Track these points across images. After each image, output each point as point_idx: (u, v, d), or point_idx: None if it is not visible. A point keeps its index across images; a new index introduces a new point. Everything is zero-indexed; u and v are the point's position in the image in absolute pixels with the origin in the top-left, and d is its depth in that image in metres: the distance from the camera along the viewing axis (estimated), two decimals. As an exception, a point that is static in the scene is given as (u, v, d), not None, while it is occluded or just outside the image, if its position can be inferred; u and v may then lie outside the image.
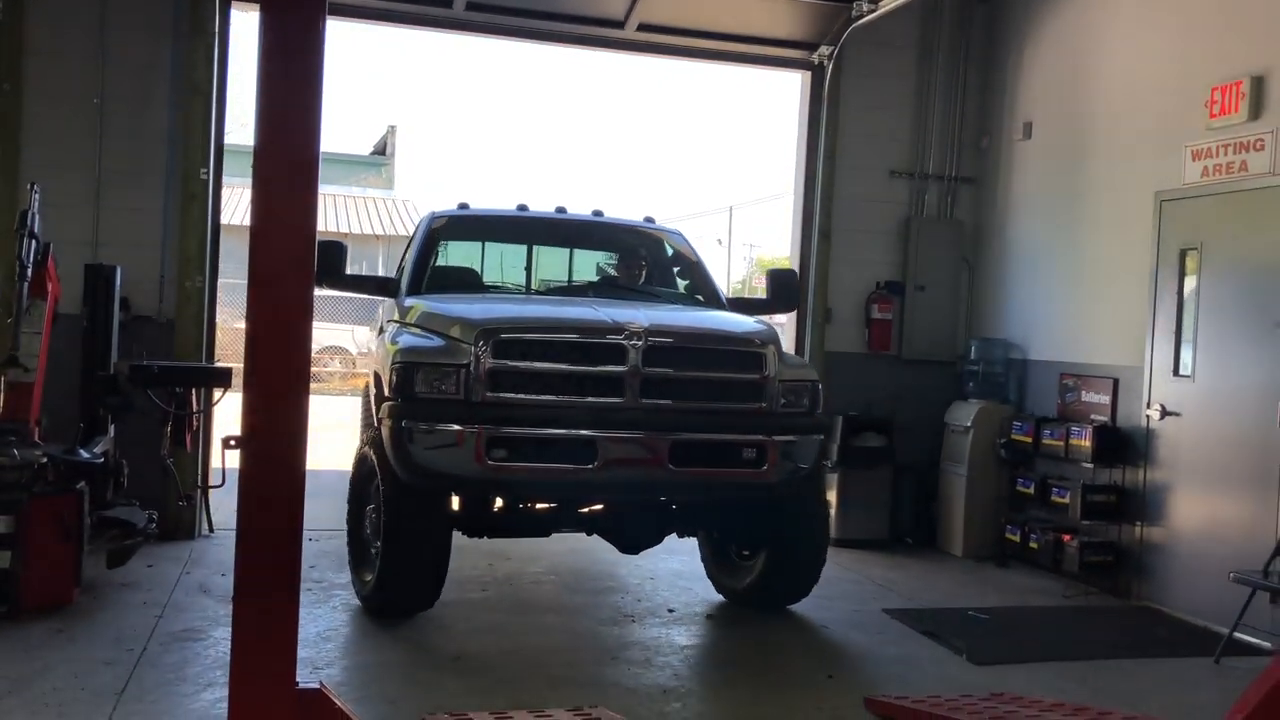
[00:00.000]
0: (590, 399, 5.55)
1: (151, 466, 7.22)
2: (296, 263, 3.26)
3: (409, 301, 6.55)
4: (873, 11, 8.23)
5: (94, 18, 7.60)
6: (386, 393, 5.72)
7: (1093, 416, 7.74)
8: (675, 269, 7.60)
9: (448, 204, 7.60)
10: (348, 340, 22.19)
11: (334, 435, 11.47)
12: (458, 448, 5.39)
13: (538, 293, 7.29)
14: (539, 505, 6.22)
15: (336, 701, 3.50)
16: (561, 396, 5.53)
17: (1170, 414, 7.15)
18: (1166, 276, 7.26)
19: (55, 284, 6.65)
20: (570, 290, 7.31)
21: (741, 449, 5.73)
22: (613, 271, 8.00)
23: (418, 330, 6.03)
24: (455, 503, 6.07)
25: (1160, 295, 7.29)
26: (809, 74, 8.97)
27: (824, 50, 8.73)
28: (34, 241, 6.37)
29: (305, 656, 4.94)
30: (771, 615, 6.54)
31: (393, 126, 35.04)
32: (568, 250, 8.07)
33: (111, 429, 6.93)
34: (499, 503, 6.14)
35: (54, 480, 6.01)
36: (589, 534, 6.50)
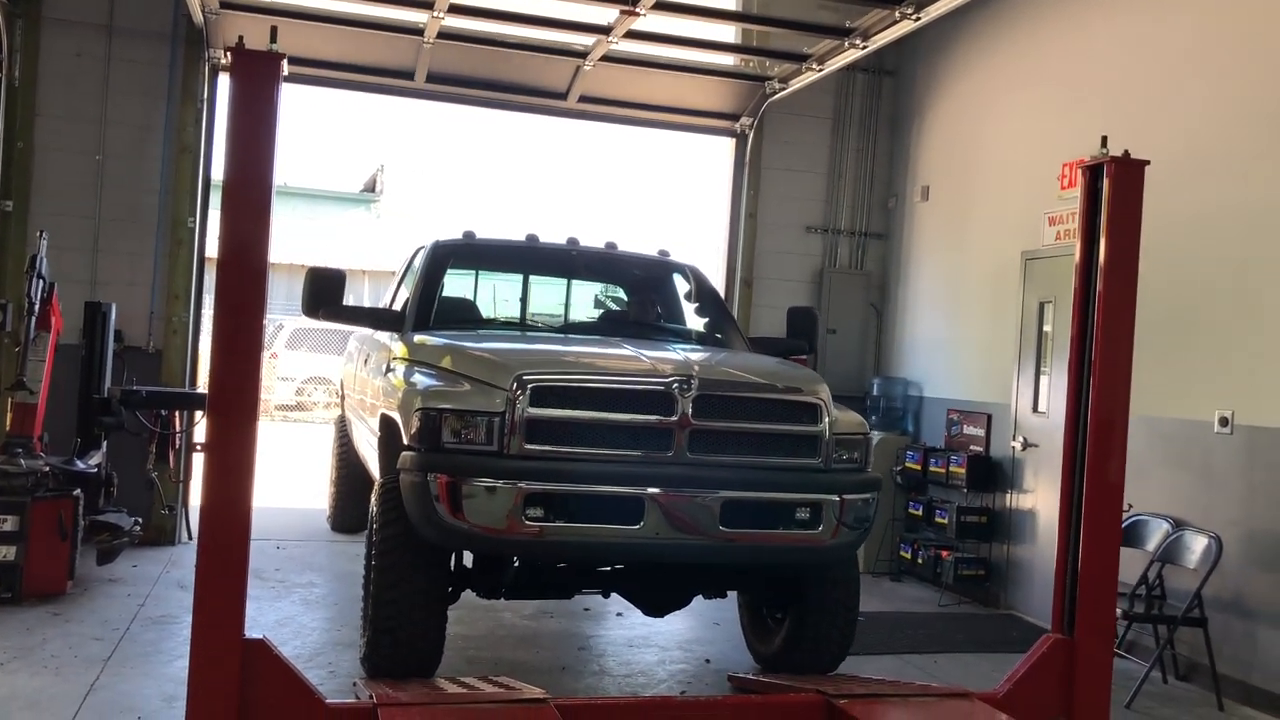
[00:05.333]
0: (635, 452, 5.06)
1: (138, 480, 8.22)
2: (253, 270, 4.30)
3: (417, 337, 6.10)
4: (784, 89, 9.37)
5: (98, 84, 8.66)
6: (405, 440, 5.17)
7: (971, 448, 8.79)
8: (694, 305, 7.27)
9: (451, 233, 7.22)
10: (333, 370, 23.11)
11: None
12: (490, 505, 4.86)
13: (556, 330, 6.95)
14: (561, 564, 5.67)
15: (275, 650, 4.50)
16: (602, 450, 5.03)
17: (1031, 445, 8.20)
18: (1029, 326, 8.33)
19: (58, 318, 7.67)
20: (590, 328, 6.93)
21: (795, 509, 5.23)
22: (615, 305, 7.83)
23: (433, 369, 5.55)
24: (469, 560, 5.69)
25: (1024, 342, 8.36)
26: (733, 140, 10.07)
27: (745, 121, 9.85)
28: (41, 281, 7.40)
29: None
30: (677, 616, 7.45)
31: (382, 165, 36.23)
32: (566, 282, 7.83)
33: (104, 445, 7.92)
34: (515, 560, 5.55)
35: (53, 487, 6.99)
36: (606, 596, 6.13)
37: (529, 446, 4.95)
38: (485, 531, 4.91)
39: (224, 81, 9.06)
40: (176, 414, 8.51)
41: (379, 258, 29.04)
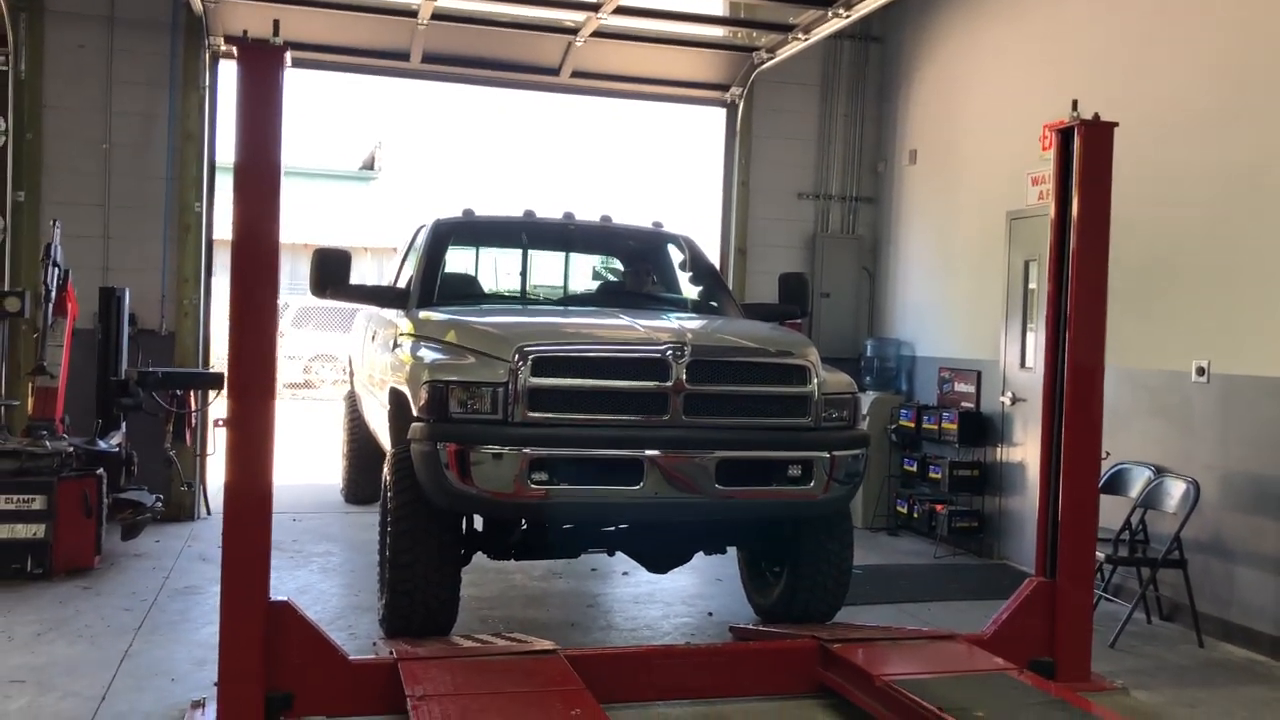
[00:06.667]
0: (634, 417, 5.31)
1: (157, 458, 8.51)
2: (266, 254, 4.56)
3: (422, 313, 6.34)
4: (771, 59, 9.57)
5: (102, 75, 8.87)
6: (415, 412, 5.43)
7: (962, 404, 9.05)
8: (689, 275, 7.48)
9: (451, 211, 7.43)
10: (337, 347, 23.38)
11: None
12: (497, 471, 5.12)
13: (555, 302, 7.21)
14: (567, 525, 5.96)
15: (300, 611, 4.80)
16: (602, 415, 5.29)
17: (1019, 400, 8.45)
18: (1015, 284, 8.57)
19: (74, 305, 7.91)
20: (588, 299, 7.18)
21: (788, 466, 5.50)
22: (612, 277, 8.00)
23: (439, 344, 5.79)
24: (479, 524, 5.97)
25: (1011, 299, 8.60)
26: (725, 110, 10.27)
27: (735, 90, 10.05)
28: (56, 268, 7.65)
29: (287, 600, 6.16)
30: (681, 573, 7.72)
31: (380, 141, 36.33)
32: (565, 256, 8.06)
33: (124, 425, 8.20)
34: (523, 523, 5.85)
35: (77, 467, 7.26)
36: (610, 554, 6.33)
37: (532, 414, 5.21)
38: (494, 496, 5.17)
39: (225, 68, 9.28)
40: (191, 393, 8.79)
41: (380, 234, 29.22)
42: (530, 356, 5.22)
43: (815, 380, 5.60)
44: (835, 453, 5.55)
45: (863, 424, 6.11)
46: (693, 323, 6.09)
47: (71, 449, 7.25)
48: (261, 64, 4.61)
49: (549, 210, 7.52)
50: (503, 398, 5.18)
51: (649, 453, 5.25)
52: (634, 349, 5.40)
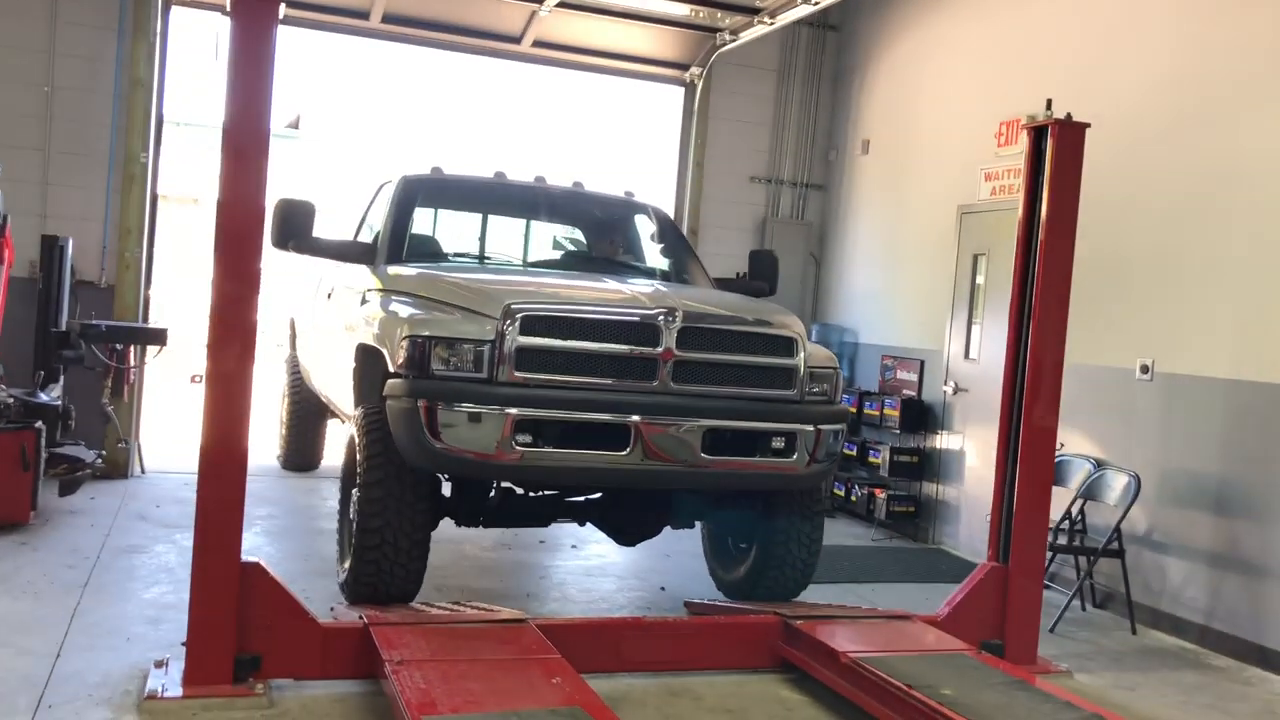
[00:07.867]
0: (621, 381, 5.24)
1: (92, 414, 8.28)
2: (253, 212, 4.48)
3: (392, 269, 6.18)
4: (734, 40, 9.63)
5: (46, 14, 8.55)
6: (392, 368, 5.26)
7: (904, 391, 9.25)
8: (660, 245, 7.31)
9: (402, 170, 7.14)
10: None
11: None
12: (480, 432, 5.01)
13: (526, 265, 7.10)
14: (539, 493, 5.96)
15: (270, 572, 4.74)
16: (589, 378, 5.20)
17: (961, 390, 8.67)
18: (963, 277, 8.77)
19: (10, 251, 7.63)
20: (558, 264, 6.98)
21: (772, 438, 5.50)
22: (572, 246, 7.86)
23: (414, 298, 5.64)
24: (446, 489, 5.83)
25: (958, 292, 8.80)
26: (683, 90, 10.30)
27: (695, 70, 10.09)
28: (-5, 213, 7.39)
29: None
30: (634, 549, 7.71)
31: (306, 100, 35.57)
32: (534, 220, 7.92)
33: (62, 379, 7.95)
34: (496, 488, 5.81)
35: (15, 419, 7.04)
36: (581, 524, 6.32)
37: (518, 374, 5.09)
38: (474, 457, 5.06)
39: (176, 16, 9.03)
40: (130, 349, 8.56)
41: (304, 193, 28.64)
42: (519, 315, 5.10)
43: (802, 353, 5.61)
44: (820, 426, 5.57)
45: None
46: (678, 290, 6.05)
47: (11, 399, 7.02)
48: (255, 17, 4.51)
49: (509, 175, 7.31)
50: (488, 356, 5.06)
51: (635, 419, 5.19)
52: (625, 312, 5.30)
